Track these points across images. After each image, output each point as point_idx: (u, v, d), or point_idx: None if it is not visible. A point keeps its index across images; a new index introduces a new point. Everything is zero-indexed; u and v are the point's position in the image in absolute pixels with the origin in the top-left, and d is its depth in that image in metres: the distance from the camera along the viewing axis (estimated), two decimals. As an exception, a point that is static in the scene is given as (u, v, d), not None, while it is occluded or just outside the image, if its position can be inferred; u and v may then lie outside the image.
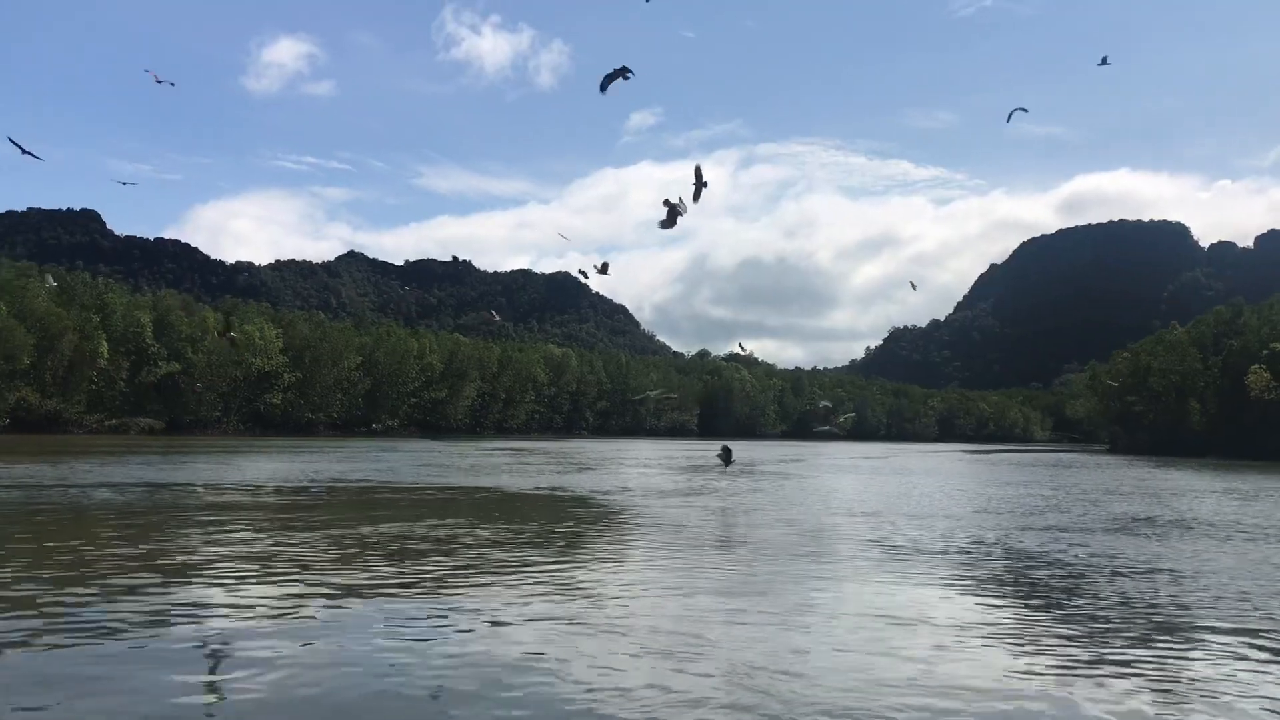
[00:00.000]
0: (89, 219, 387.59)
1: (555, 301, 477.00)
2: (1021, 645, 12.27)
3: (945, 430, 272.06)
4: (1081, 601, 15.28)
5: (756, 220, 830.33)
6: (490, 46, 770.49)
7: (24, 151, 30.35)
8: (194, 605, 13.42)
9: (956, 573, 18.13)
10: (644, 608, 14.03)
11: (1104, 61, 42.20)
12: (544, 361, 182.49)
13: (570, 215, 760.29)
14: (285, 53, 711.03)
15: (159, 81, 41.40)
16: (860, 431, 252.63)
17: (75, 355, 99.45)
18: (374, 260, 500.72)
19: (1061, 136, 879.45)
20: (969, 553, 21.02)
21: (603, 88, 21.53)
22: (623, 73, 21.06)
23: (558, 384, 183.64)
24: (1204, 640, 12.73)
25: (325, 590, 14.78)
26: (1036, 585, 16.90)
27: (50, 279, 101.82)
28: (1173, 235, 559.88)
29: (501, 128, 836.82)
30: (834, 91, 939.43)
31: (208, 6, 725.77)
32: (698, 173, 22.21)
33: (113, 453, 60.03)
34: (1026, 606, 14.90)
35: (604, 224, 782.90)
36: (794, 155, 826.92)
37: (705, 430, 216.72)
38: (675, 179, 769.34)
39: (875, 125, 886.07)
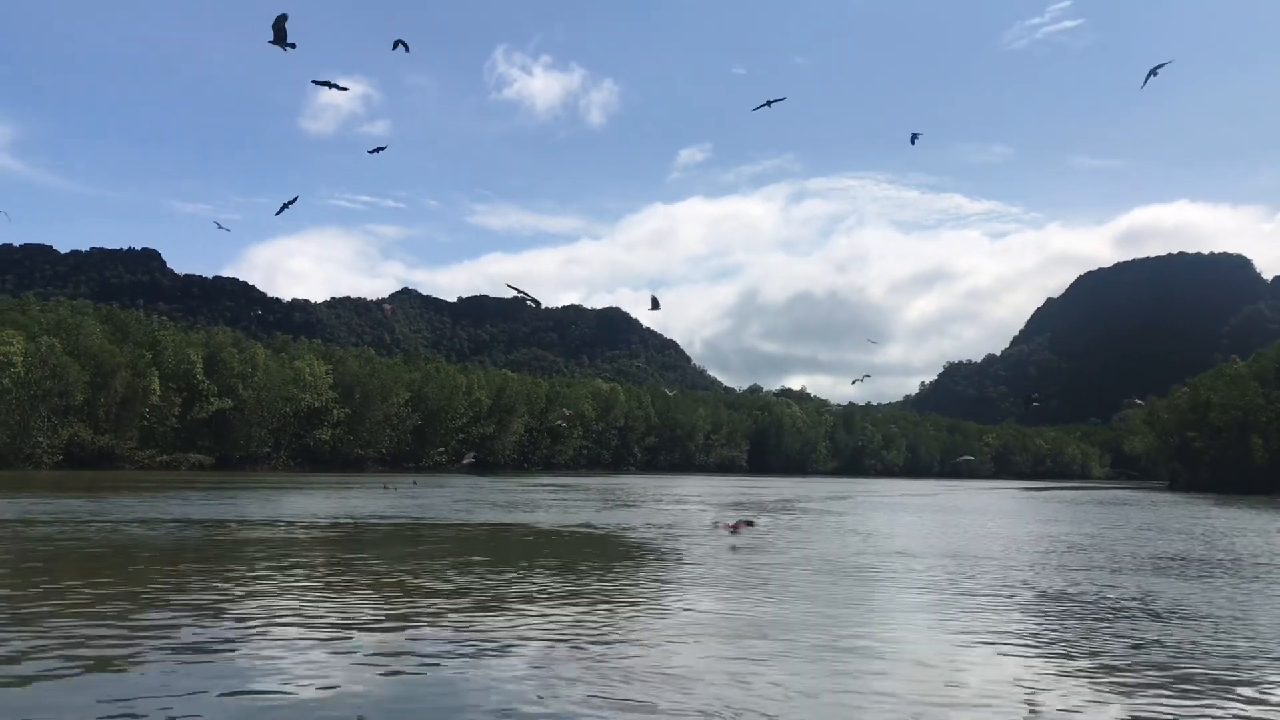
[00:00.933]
0: (149, 258, 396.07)
1: (606, 337, 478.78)
2: (1038, 692, 11.55)
3: (1001, 467, 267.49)
4: (1110, 646, 14.46)
5: (808, 255, 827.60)
6: (541, 86, 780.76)
7: None
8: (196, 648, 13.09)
9: (979, 615, 17.33)
10: (642, 649, 13.46)
11: (914, 139, 41.25)
12: (591, 397, 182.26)
13: (621, 251, 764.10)
14: (341, 94, 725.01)
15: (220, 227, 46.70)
16: (913, 468, 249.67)
17: (128, 392, 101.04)
18: (427, 297, 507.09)
19: (1118, 169, 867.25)
20: (996, 594, 20.17)
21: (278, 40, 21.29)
22: (281, 22, 20.95)
23: (605, 419, 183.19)
24: (1236, 693, 11.91)
25: (324, 630, 14.40)
26: (1064, 629, 16.07)
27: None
28: (1235, 268, 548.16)
29: (553, 166, 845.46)
30: (886, 126, 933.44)
31: (267, 50, 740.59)
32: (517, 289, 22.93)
33: (153, 488, 60.58)
34: (1050, 651, 14.11)
35: (654, 259, 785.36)
36: (845, 189, 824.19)
37: (755, 467, 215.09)
38: (726, 214, 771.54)
39: (928, 159, 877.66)
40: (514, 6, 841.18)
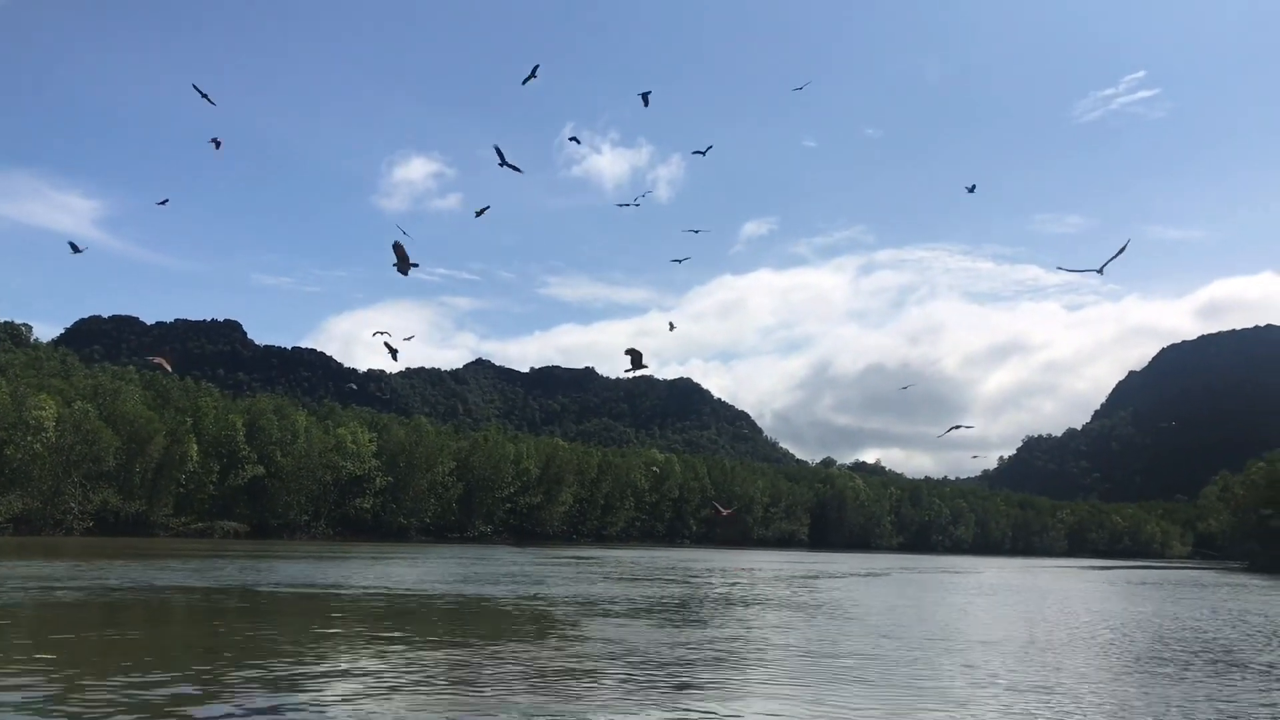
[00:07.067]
0: (231, 329, 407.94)
1: (676, 408, 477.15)
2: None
3: (1075, 544, 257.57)
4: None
5: (880, 326, 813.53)
6: (609, 164, 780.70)
7: None
8: None
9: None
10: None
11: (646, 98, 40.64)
12: (645, 467, 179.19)
13: (689, 322, 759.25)
14: (416, 171, 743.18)
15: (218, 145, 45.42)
16: (983, 545, 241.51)
17: (164, 458, 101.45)
18: (500, 368, 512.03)
19: (1198, 240, 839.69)
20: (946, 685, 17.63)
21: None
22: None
23: (659, 491, 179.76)
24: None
25: None
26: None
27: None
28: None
29: (622, 239, 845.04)
30: (958, 198, 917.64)
31: (344, 130, 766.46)
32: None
33: (150, 555, 59.77)
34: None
35: (721, 330, 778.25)
36: (918, 261, 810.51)
37: (816, 541, 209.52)
38: (795, 285, 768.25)
39: (1003, 230, 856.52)
40: (584, 86, 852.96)
